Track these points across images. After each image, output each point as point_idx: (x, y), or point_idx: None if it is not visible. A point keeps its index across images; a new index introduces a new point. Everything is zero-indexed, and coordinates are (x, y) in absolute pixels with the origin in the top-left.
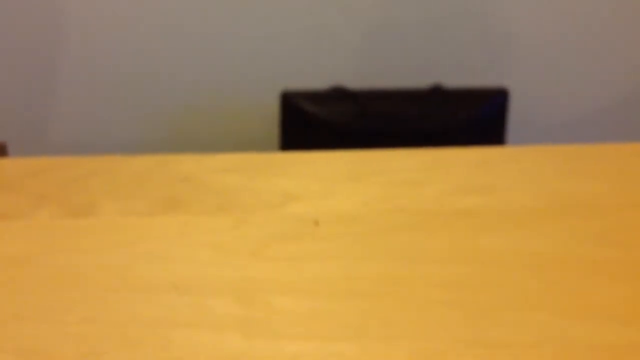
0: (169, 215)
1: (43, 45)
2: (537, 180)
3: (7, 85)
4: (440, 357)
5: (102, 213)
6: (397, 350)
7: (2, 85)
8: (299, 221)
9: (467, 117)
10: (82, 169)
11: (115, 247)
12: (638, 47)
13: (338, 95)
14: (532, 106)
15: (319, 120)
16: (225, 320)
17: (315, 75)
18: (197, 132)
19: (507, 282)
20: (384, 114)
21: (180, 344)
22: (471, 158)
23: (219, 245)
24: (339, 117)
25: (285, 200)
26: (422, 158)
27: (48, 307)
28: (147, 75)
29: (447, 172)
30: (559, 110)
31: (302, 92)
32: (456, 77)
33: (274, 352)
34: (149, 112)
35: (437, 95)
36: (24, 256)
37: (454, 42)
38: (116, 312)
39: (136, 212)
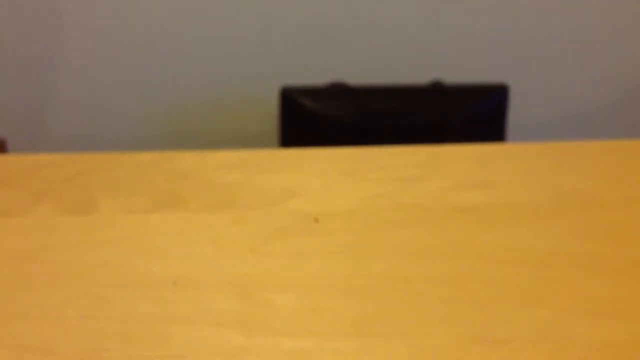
0: (169, 212)
1: (43, 42)
2: (537, 176)
3: (6, 82)
4: (440, 354)
5: (101, 210)
6: (397, 346)
7: (2, 82)
8: (298, 217)
9: (466, 114)
10: (82, 165)
11: (114, 244)
12: (638, 43)
13: (338, 92)
14: (532, 102)
15: (318, 117)
16: (224, 316)
17: (315, 72)
18: (197, 129)
19: (507, 278)
20: (383, 110)
21: (180, 339)
22: (471, 154)
23: (219, 241)
24: (338, 114)
25: (285, 196)
26: (422, 154)
27: (47, 304)
28: (147, 72)
29: (447, 168)
30: (558, 106)
31: (302, 88)
32: (456, 74)
33: (273, 349)
34: (149, 109)
35: (436, 92)
36: (24, 253)
37: (454, 38)
38: (115, 308)
39: (136, 209)
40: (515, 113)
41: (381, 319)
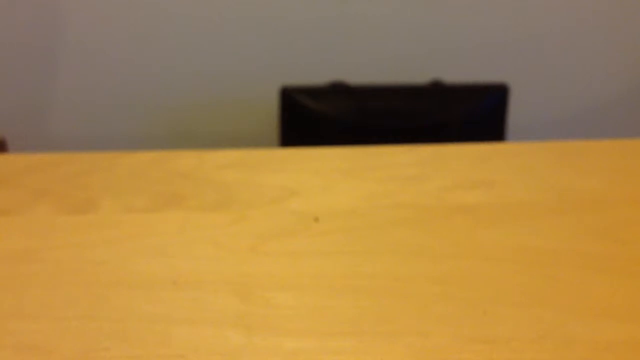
0: (169, 211)
1: (42, 41)
2: (537, 175)
3: (6, 81)
4: (439, 353)
5: (101, 209)
6: (397, 346)
7: (2, 81)
8: (298, 217)
9: (466, 113)
10: (82, 164)
11: (114, 243)
12: (638, 43)
13: (337, 91)
14: (531, 102)
15: (318, 116)
16: (224, 315)
17: (315, 71)
18: (197, 128)
19: (506, 277)
20: (383, 109)
21: (180, 339)
22: (471, 154)
23: (218, 241)
24: (338, 113)
25: (285, 196)
26: (422, 154)
27: (47, 303)
28: (147, 71)
29: (447, 167)
30: (558, 106)
31: (302, 88)
32: (456, 73)
33: (273, 348)
34: (149, 108)
35: (436, 91)
36: (23, 252)
37: (454, 38)
38: (115, 308)
39: (136, 208)
40: (515, 113)
41: (381, 318)
